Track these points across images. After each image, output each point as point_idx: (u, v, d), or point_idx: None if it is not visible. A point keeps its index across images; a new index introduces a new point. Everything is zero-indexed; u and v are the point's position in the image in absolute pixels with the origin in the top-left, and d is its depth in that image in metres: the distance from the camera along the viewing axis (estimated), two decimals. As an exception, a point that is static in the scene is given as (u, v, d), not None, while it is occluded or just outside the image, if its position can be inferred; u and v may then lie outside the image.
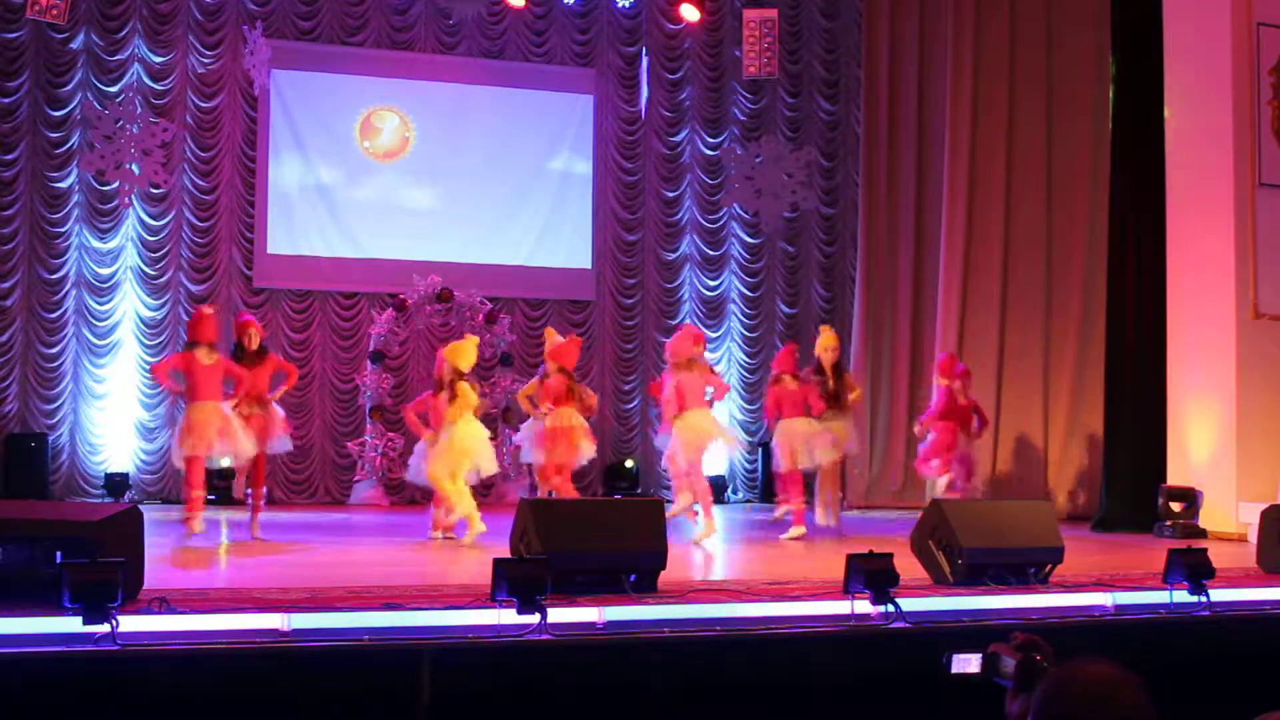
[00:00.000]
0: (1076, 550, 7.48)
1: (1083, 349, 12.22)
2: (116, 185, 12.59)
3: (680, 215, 14.44)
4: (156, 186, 12.70)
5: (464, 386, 8.67)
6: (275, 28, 13.14)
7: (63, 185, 12.67)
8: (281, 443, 9.17)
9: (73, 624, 4.44)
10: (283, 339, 13.06)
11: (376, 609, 5.17)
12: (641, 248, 14.31)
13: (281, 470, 12.76)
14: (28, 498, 11.37)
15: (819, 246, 14.65)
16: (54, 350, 12.58)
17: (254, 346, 9.01)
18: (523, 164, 13.92)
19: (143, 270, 12.83)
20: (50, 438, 12.41)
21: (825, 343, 10.06)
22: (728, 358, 14.19)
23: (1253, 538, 7.95)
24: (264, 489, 9.26)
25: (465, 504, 8.60)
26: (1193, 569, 5.94)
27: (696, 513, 9.56)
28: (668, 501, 8.97)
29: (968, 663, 2.87)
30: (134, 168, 12.49)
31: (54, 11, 11.90)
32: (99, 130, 12.45)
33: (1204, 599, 5.89)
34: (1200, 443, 10.36)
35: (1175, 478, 10.47)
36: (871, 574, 5.34)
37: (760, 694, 5.11)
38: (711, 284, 14.48)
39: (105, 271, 12.75)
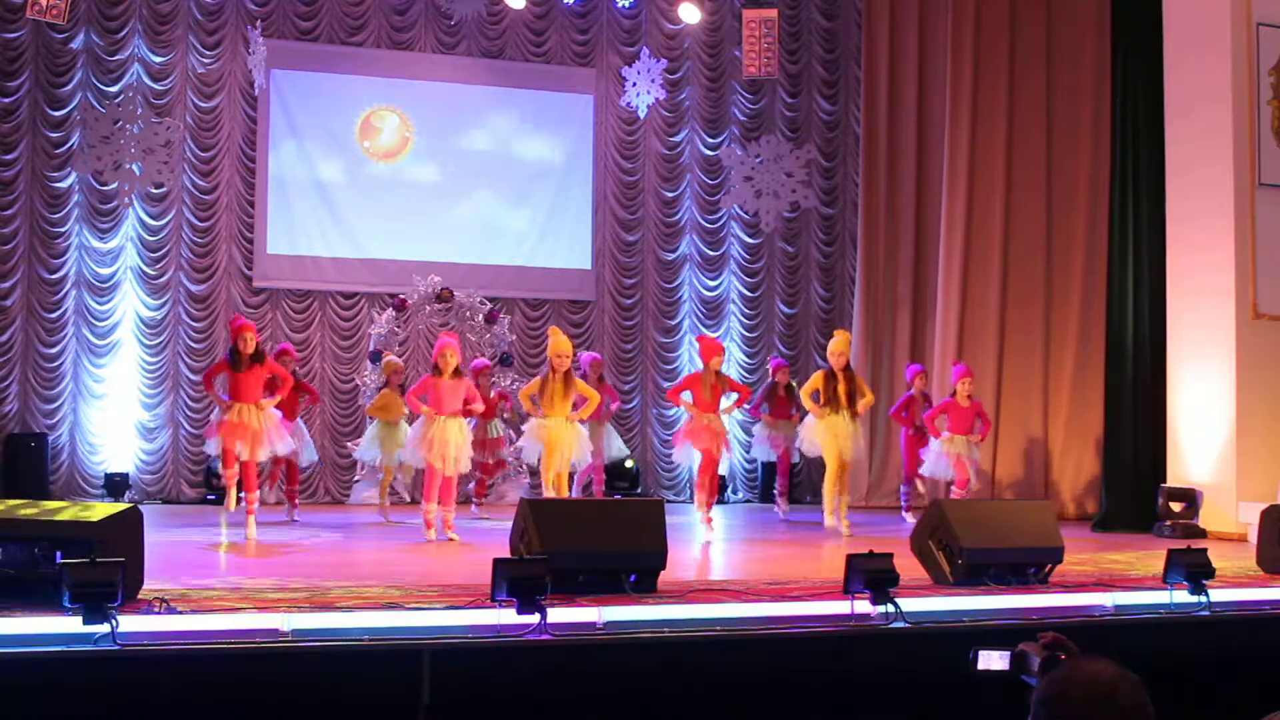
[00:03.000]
0: (1076, 550, 7.49)
1: (1083, 349, 12.22)
2: (116, 185, 12.59)
3: (680, 215, 14.44)
4: (159, 185, 12.70)
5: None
6: (275, 28, 13.14)
7: (63, 185, 12.67)
8: (275, 449, 9.21)
9: (73, 624, 4.44)
10: (283, 339, 13.05)
11: (376, 609, 5.17)
12: (641, 248, 14.31)
13: (282, 470, 12.75)
14: (28, 498, 11.35)
15: (818, 246, 14.65)
16: (54, 350, 12.58)
17: (249, 351, 8.99)
18: (522, 164, 13.92)
19: (143, 270, 12.84)
20: (50, 438, 12.42)
21: (834, 346, 10.08)
22: (727, 358, 14.17)
23: (1253, 538, 7.96)
24: (258, 493, 9.23)
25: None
26: (1193, 569, 5.94)
27: (711, 519, 9.81)
28: (668, 502, 8.98)
29: (994, 659, 2.89)
30: (134, 167, 12.49)
31: (54, 11, 11.90)
32: (96, 131, 12.43)
33: (1204, 599, 5.89)
34: (1200, 443, 10.36)
35: (1175, 478, 10.47)
36: (871, 574, 5.34)
37: (760, 694, 5.11)
38: (711, 284, 14.48)
39: (105, 271, 12.75)
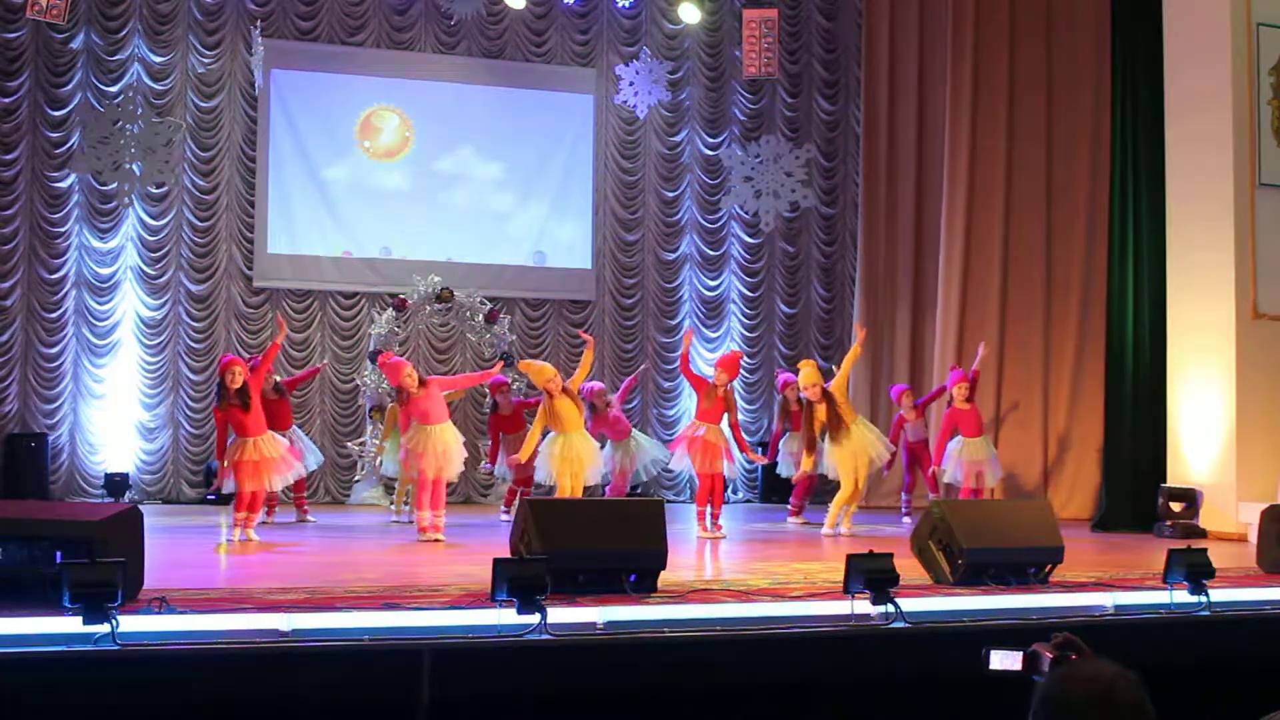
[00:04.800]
0: (1076, 550, 7.48)
1: (1083, 349, 12.22)
2: (116, 185, 12.57)
3: (680, 215, 14.44)
4: (159, 185, 12.68)
5: None
6: (275, 28, 13.14)
7: (63, 185, 12.67)
8: (287, 478, 9.18)
9: (73, 624, 4.43)
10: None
11: (376, 609, 5.17)
12: (641, 248, 14.31)
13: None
14: (28, 498, 11.37)
15: (818, 246, 14.65)
16: (54, 350, 12.58)
17: (236, 386, 8.73)
18: (522, 164, 13.92)
19: (143, 270, 12.84)
20: (50, 438, 12.41)
21: (804, 380, 9.92)
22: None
23: (1253, 538, 7.96)
24: (260, 512, 9.15)
25: None
26: (1193, 569, 5.94)
27: (721, 525, 9.93)
28: (668, 501, 8.99)
29: (1007, 659, 2.91)
30: (134, 168, 12.47)
31: (54, 11, 11.90)
32: (96, 131, 12.39)
33: (1204, 599, 5.89)
34: (1200, 443, 10.36)
35: (1175, 478, 10.47)
36: (871, 574, 5.34)
37: (760, 694, 5.11)
38: (711, 284, 14.48)
39: (105, 271, 12.75)
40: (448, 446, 8.98)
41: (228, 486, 9.02)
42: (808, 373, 9.91)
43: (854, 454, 9.87)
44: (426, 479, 8.94)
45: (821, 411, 9.84)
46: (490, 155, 13.83)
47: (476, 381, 10.58)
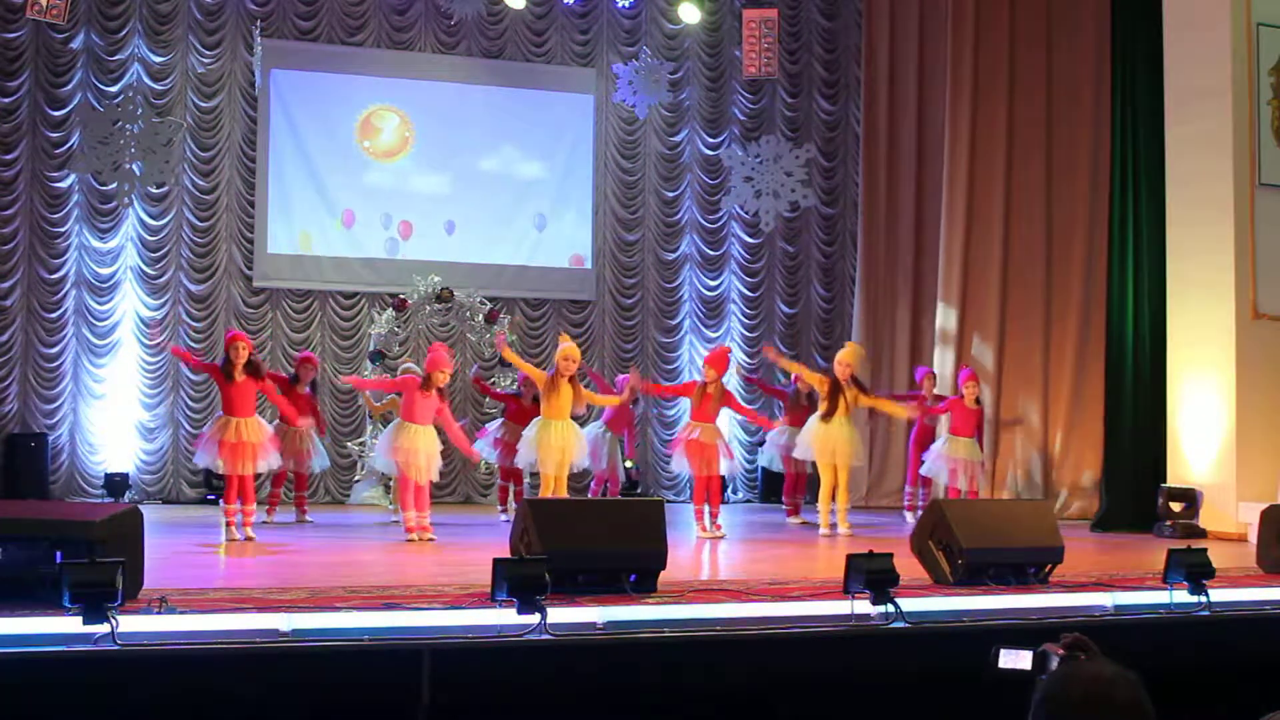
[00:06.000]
0: (1076, 550, 7.49)
1: (1083, 349, 12.22)
2: (116, 185, 12.55)
3: (680, 215, 14.44)
4: (159, 185, 12.68)
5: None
6: (275, 28, 13.14)
7: (63, 185, 12.67)
8: (266, 464, 9.19)
9: (73, 624, 4.43)
10: (283, 339, 13.06)
11: (376, 609, 5.17)
12: (641, 248, 14.31)
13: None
14: (28, 498, 11.37)
15: (818, 246, 14.65)
16: (54, 350, 12.58)
17: (241, 361, 8.90)
18: (522, 164, 13.92)
19: (143, 270, 12.84)
20: (50, 438, 12.41)
21: (844, 357, 10.07)
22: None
23: (1253, 538, 7.96)
24: (255, 505, 9.16)
25: None
26: (1193, 569, 5.94)
27: (720, 525, 9.94)
28: (668, 502, 8.98)
29: (1016, 658, 2.92)
30: (134, 168, 12.46)
31: (54, 11, 11.89)
32: (95, 131, 12.36)
33: (1204, 599, 5.89)
34: (1200, 443, 10.36)
35: (1175, 478, 10.48)
36: (871, 574, 5.34)
37: (760, 694, 5.11)
38: (711, 284, 14.48)
39: (105, 271, 12.75)
40: (418, 450, 9.00)
41: (200, 460, 9.35)
42: (852, 351, 10.22)
43: (831, 443, 9.84)
44: (409, 479, 8.97)
45: (831, 388, 9.86)
46: (490, 155, 13.82)
47: (461, 437, 10.00)
